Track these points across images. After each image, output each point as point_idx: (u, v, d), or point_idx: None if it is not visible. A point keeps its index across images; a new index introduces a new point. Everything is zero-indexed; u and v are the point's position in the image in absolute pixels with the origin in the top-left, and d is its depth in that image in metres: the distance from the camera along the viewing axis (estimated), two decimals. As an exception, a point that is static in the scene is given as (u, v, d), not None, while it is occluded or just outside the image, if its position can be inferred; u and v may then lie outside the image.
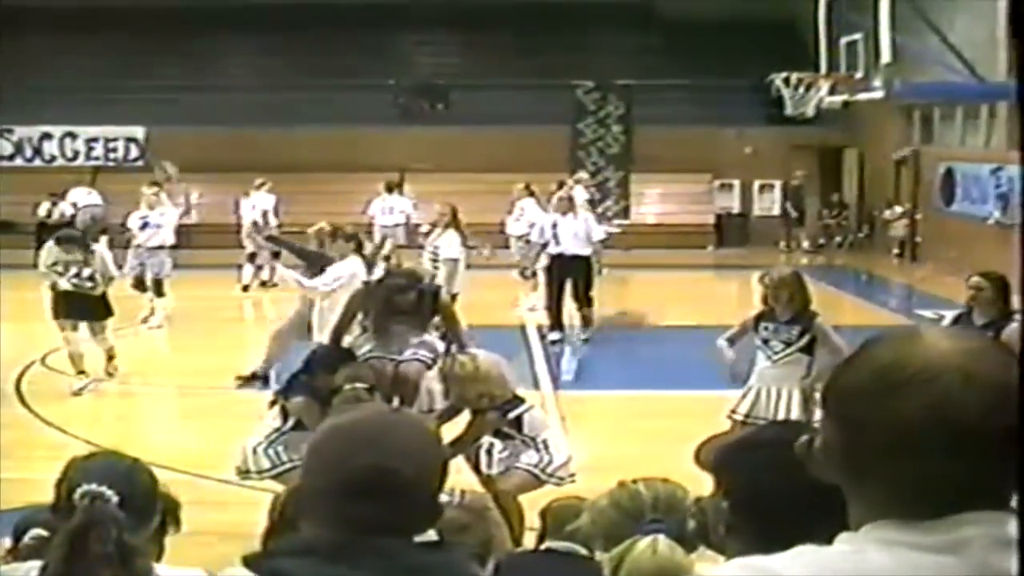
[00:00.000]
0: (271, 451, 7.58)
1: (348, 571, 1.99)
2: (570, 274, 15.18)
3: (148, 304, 17.25)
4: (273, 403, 7.89)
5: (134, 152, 29.24)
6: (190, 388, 13.32)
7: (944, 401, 1.51)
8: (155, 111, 28.20)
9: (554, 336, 15.25)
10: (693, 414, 9.87)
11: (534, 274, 18.59)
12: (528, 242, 18.91)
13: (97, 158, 29.26)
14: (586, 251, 15.23)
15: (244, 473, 7.76)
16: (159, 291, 17.06)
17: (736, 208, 29.99)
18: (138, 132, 29.09)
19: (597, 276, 15.49)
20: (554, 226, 15.32)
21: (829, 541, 1.58)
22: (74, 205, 25.42)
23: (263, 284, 19.98)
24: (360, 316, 8.85)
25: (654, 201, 29.48)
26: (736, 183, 29.85)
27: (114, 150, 29.31)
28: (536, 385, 12.32)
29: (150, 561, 2.88)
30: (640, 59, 29.63)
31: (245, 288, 20.46)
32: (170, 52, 29.44)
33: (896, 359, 1.57)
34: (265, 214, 22.06)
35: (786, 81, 23.55)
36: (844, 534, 1.59)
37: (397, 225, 22.93)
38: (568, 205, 15.68)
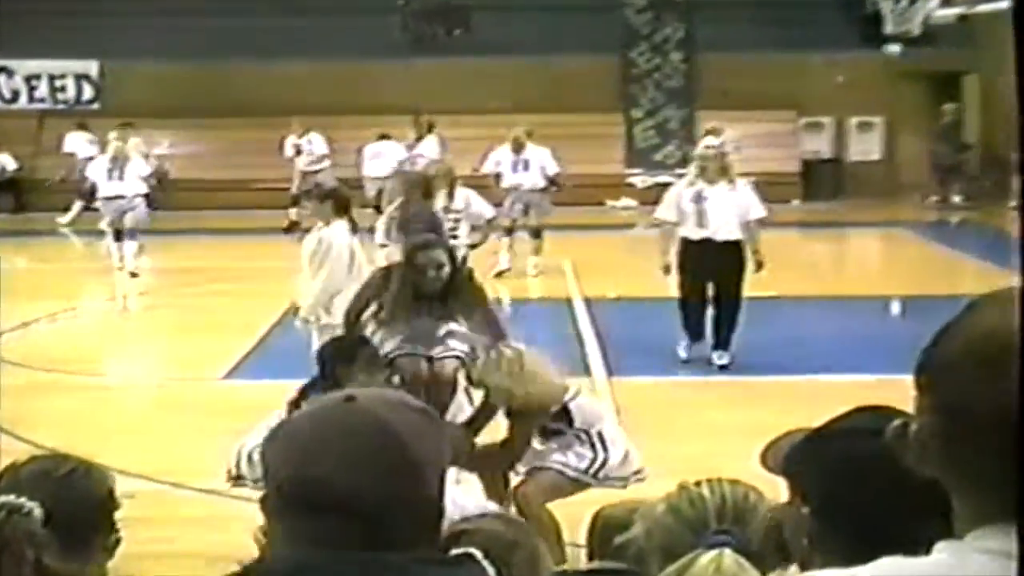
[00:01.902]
0: None
1: None
2: (717, 269, 12.72)
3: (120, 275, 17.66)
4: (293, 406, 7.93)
5: (88, 92, 29.32)
6: (167, 380, 13.47)
7: None
8: (110, 41, 28.21)
9: (683, 352, 13.10)
10: (776, 403, 9.92)
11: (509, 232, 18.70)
12: (544, 190, 19.00)
13: (42, 100, 29.30)
14: (739, 235, 12.73)
15: (237, 479, 7.82)
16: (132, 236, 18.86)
17: (827, 152, 29.90)
18: (91, 68, 29.17)
19: (751, 273, 12.91)
20: (699, 199, 12.69)
21: (929, 550, 1.58)
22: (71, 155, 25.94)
23: None
24: (375, 306, 8.87)
25: (725, 145, 29.43)
26: (826, 121, 29.75)
27: (62, 89, 29.36)
28: (587, 370, 12.38)
29: None
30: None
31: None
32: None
33: (1000, 324, 1.54)
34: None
35: (886, -9, 23.44)
36: (944, 542, 1.58)
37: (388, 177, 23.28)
38: (720, 169, 12.93)
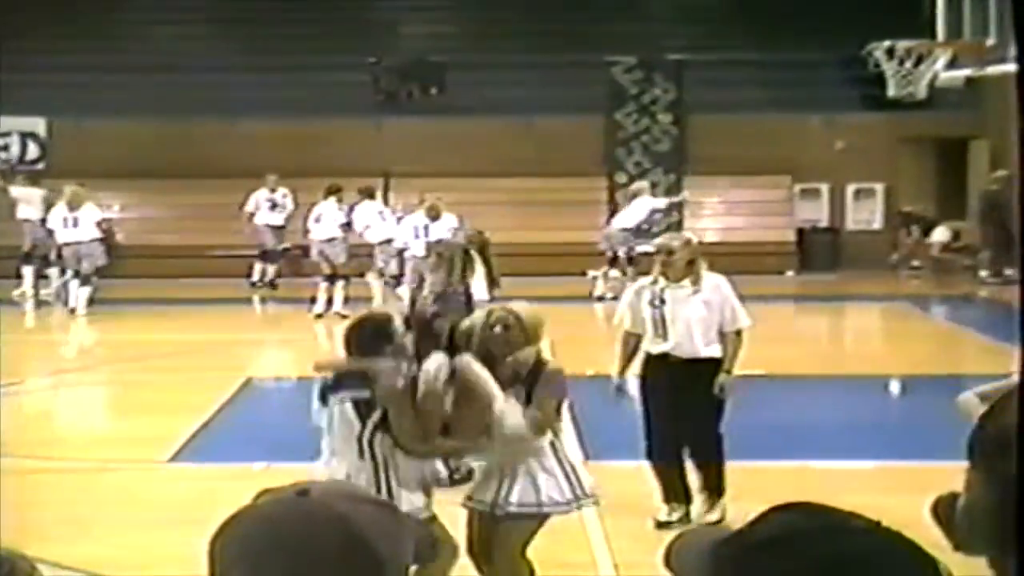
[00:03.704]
0: None
1: None
2: (681, 396, 10.18)
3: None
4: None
5: (33, 151, 29.28)
6: (109, 463, 13.34)
7: None
8: (60, 97, 28.25)
9: (670, 516, 10.34)
10: (765, 492, 9.78)
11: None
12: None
13: (-18, 159, 29.25)
14: (712, 351, 10.25)
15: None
16: (85, 281, 21.64)
17: (824, 221, 30.00)
18: (38, 125, 29.17)
19: (730, 398, 10.29)
20: (658, 302, 10.24)
21: None
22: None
23: None
24: None
25: (716, 213, 29.53)
26: (823, 188, 29.86)
27: (5, 148, 29.35)
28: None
29: None
30: (695, 27, 29.69)
31: None
32: (80, 21, 29.54)
33: None
34: None
35: (890, 52, 23.50)
36: None
37: (331, 239, 23.35)
38: (686, 262, 10.26)
